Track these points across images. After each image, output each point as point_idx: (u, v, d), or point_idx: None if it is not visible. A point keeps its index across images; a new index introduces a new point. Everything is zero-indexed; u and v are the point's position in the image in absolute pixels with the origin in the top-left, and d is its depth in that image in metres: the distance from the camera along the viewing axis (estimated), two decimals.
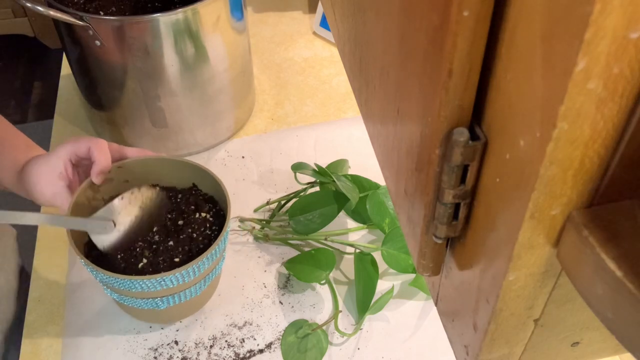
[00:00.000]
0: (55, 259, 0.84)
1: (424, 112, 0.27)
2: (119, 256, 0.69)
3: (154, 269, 0.68)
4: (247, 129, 1.03)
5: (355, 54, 0.42)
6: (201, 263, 0.66)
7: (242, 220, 0.86)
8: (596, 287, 0.21)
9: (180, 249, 0.70)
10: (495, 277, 0.26)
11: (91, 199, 0.72)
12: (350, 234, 0.86)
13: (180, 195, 0.76)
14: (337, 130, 1.02)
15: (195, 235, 0.72)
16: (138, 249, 0.70)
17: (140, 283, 0.64)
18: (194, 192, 0.77)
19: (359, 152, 0.96)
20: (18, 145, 0.72)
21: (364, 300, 0.75)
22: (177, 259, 0.70)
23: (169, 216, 0.74)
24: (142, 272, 0.68)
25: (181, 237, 0.71)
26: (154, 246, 0.70)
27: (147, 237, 0.71)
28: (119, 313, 0.77)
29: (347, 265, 0.83)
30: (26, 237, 0.95)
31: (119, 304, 0.74)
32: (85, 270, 0.80)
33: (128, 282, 0.64)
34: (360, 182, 0.85)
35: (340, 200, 0.82)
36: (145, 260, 0.69)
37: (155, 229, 0.72)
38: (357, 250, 0.79)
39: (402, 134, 0.33)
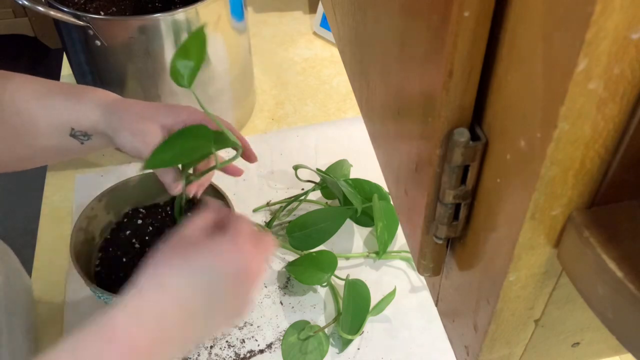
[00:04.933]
0: (55, 259, 0.84)
1: (425, 112, 0.27)
2: None
3: None
4: (248, 129, 1.03)
5: (355, 54, 0.42)
6: None
7: None
8: (597, 287, 0.21)
9: None
10: (496, 277, 0.26)
11: (84, 241, 0.71)
12: (356, 235, 0.86)
13: (168, 208, 0.76)
14: (338, 130, 1.02)
15: None
16: None
17: None
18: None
19: (359, 152, 0.96)
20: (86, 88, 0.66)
21: (352, 324, 0.74)
22: None
23: (167, 230, 0.74)
24: None
25: None
26: None
27: None
28: None
29: (349, 266, 0.83)
30: (27, 237, 0.95)
31: None
32: None
33: None
34: (361, 186, 0.85)
35: (340, 217, 0.81)
36: None
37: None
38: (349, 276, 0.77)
39: (402, 134, 0.33)
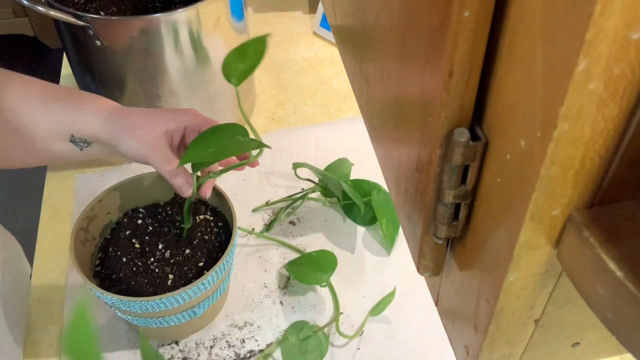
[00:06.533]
0: (55, 259, 0.84)
1: (425, 112, 0.27)
2: (144, 281, 0.68)
3: (185, 280, 0.69)
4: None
5: (355, 54, 0.42)
6: (231, 252, 0.67)
7: (244, 230, 0.86)
8: (597, 287, 0.21)
9: (199, 253, 0.71)
10: (496, 277, 0.26)
11: (84, 241, 0.71)
12: (356, 235, 0.86)
13: (168, 208, 0.76)
14: (338, 130, 1.02)
15: (207, 237, 0.72)
16: (157, 270, 0.69)
17: (189, 292, 0.64)
18: (179, 200, 0.77)
19: (359, 152, 0.96)
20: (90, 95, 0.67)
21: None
22: (201, 264, 0.70)
23: (166, 229, 0.74)
24: (174, 287, 0.68)
25: (195, 242, 0.71)
26: (172, 260, 0.70)
27: (157, 255, 0.71)
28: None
29: (349, 266, 0.83)
30: (27, 237, 0.95)
31: (140, 328, 0.74)
32: None
33: (173, 299, 0.64)
34: (361, 186, 0.86)
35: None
36: (171, 277, 0.69)
37: (161, 246, 0.72)
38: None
39: (402, 134, 0.33)
